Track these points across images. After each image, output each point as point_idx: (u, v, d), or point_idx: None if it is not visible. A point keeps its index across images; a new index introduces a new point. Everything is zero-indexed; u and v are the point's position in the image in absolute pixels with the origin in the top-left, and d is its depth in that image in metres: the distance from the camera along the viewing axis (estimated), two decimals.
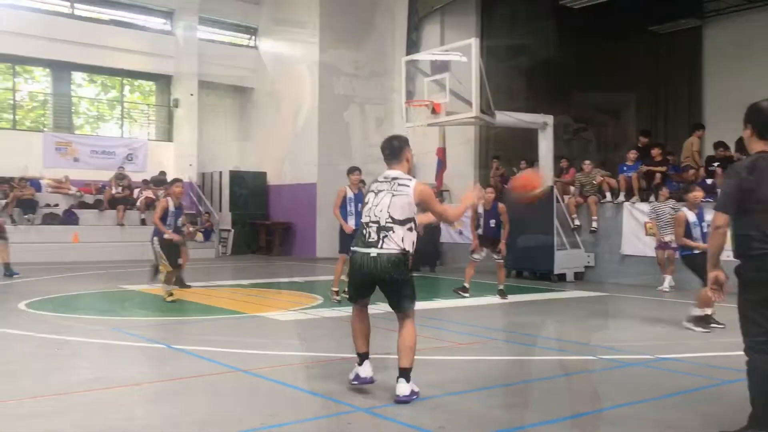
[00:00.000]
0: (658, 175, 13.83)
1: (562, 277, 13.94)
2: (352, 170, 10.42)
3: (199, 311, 9.73)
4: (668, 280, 12.33)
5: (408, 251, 5.05)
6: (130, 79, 23.39)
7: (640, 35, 20.04)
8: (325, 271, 14.81)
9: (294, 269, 16.62)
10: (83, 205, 19.57)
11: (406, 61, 15.20)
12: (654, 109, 20.42)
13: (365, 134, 21.20)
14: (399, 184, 5.12)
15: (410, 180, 5.17)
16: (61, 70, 21.54)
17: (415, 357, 4.99)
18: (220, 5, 23.02)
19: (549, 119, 15.06)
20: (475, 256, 11.23)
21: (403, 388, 4.94)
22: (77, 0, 21.34)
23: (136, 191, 20.42)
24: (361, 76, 21.26)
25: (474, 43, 13.50)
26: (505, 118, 14.55)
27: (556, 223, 14.03)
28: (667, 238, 12.09)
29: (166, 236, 9.96)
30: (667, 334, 8.10)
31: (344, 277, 11.65)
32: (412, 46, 20.03)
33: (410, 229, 5.07)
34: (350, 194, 10.21)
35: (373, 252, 5.01)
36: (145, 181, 20.88)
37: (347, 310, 9.29)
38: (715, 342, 7.44)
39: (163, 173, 21.46)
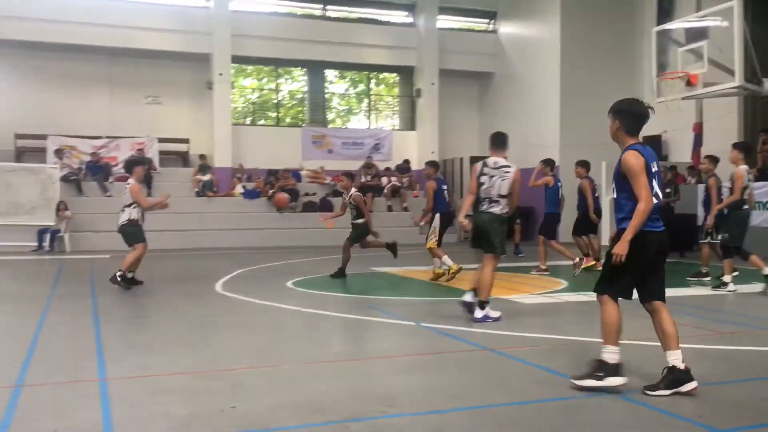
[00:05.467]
0: None
1: None
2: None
3: (446, 292, 10.03)
4: None
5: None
6: (375, 73, 24.74)
7: None
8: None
9: (536, 254, 16.41)
10: (337, 194, 21.13)
11: (657, 32, 14.24)
12: None
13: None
14: (505, 172, 7.25)
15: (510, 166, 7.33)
16: (315, 69, 23.45)
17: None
18: None
19: None
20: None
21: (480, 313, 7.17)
22: (329, 2, 23.01)
23: (383, 179, 21.57)
24: (606, 51, 20.32)
25: (737, 4, 12.25)
26: None
27: None
28: None
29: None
30: None
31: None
32: (664, 14, 18.67)
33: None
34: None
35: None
36: (388, 169, 21.97)
37: (593, 295, 9.03)
38: None
39: (407, 161, 22.42)
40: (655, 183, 4.71)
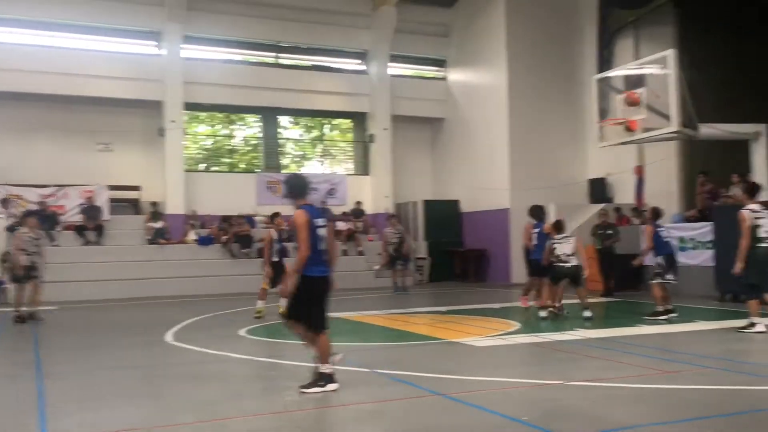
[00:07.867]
0: None
1: None
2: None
3: (398, 337, 10.07)
4: None
5: None
6: (329, 119, 24.98)
7: None
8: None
9: (489, 296, 16.58)
10: (292, 239, 21.02)
11: (597, 79, 14.79)
12: None
13: (557, 156, 20.80)
14: None
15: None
16: (269, 115, 23.55)
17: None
18: (410, 41, 23.87)
19: (762, 128, 13.85)
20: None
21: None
22: (282, 50, 23.26)
23: (339, 224, 21.59)
24: (552, 97, 20.97)
25: (671, 54, 12.88)
26: (710, 130, 13.64)
27: None
28: None
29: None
30: None
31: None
32: (604, 63, 19.44)
33: None
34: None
35: None
36: (344, 214, 22.05)
37: (545, 336, 9.18)
38: None
39: (358, 203, 22.59)
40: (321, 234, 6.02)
